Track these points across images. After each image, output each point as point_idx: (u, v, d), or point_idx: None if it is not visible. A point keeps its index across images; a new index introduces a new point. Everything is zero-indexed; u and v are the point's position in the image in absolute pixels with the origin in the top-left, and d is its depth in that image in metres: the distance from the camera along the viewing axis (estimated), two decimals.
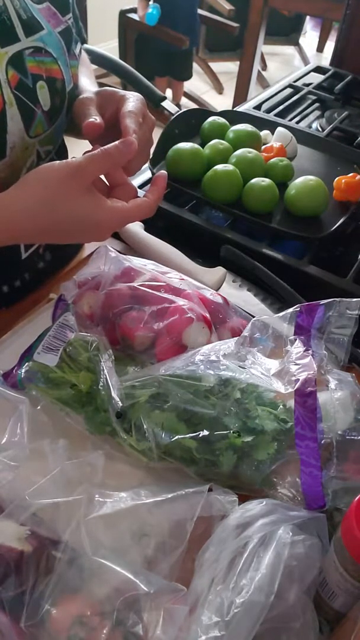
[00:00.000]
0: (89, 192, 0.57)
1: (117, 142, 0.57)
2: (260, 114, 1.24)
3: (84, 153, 0.60)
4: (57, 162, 0.57)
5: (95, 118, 0.63)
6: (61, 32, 0.67)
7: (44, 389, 0.58)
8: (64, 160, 0.57)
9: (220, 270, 0.80)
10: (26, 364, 0.59)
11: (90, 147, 0.64)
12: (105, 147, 0.57)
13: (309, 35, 4.66)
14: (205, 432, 0.55)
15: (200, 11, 3.15)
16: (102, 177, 0.63)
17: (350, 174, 0.95)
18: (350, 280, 0.82)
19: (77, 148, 0.78)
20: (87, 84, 0.76)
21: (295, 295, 0.78)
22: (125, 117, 0.62)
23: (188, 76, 3.35)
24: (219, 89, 3.88)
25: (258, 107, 1.29)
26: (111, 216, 0.58)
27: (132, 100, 0.65)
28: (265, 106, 1.31)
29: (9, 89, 0.59)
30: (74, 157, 0.60)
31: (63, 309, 0.65)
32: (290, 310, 0.64)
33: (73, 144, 0.79)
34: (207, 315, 0.65)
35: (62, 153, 0.79)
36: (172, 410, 0.56)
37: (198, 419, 0.56)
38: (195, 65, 3.92)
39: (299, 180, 0.92)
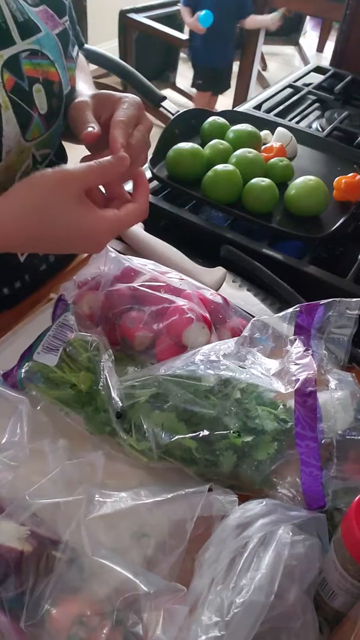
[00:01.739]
0: (81, 200, 0.56)
1: (110, 157, 0.57)
2: (260, 114, 1.24)
3: (81, 159, 0.60)
4: (50, 169, 0.56)
5: (93, 127, 0.63)
6: (58, 34, 0.67)
7: (44, 389, 0.58)
8: (57, 167, 0.56)
9: (220, 270, 0.80)
10: (26, 364, 0.59)
11: (87, 152, 0.63)
12: (100, 160, 0.57)
13: (309, 35, 4.66)
14: (205, 432, 0.55)
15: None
16: (102, 189, 0.63)
17: (350, 174, 0.95)
18: (350, 280, 0.82)
19: (76, 151, 0.78)
20: (85, 88, 0.75)
21: (295, 295, 0.78)
22: (114, 127, 0.61)
23: (227, 88, 3.35)
24: None
25: (258, 107, 1.29)
26: (104, 224, 0.58)
27: (125, 106, 0.64)
28: (265, 106, 1.31)
29: (4, 92, 0.59)
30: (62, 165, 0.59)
31: (63, 309, 0.65)
32: (290, 310, 0.64)
33: (71, 147, 0.79)
34: (207, 315, 0.65)
35: (61, 157, 0.79)
36: (172, 410, 0.56)
37: (198, 419, 0.56)
38: None
39: (299, 180, 0.92)
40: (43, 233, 0.57)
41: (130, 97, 0.66)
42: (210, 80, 3.16)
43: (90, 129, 0.62)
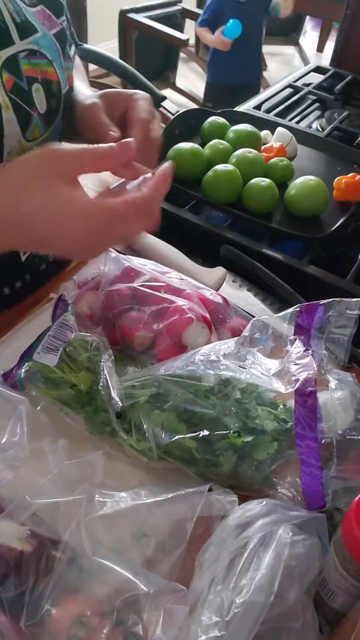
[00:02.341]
0: (69, 181, 0.50)
1: (111, 144, 0.52)
2: (260, 114, 1.24)
3: None
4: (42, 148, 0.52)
5: (114, 131, 0.61)
6: (56, 34, 0.67)
7: (44, 389, 0.58)
8: (50, 145, 0.51)
9: (220, 270, 0.80)
10: (26, 364, 0.59)
11: None
12: (99, 145, 0.51)
13: (309, 35, 4.66)
14: (205, 432, 0.55)
15: (200, 11, 3.14)
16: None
17: (350, 174, 0.95)
18: (350, 280, 0.82)
19: None
20: (83, 87, 0.76)
21: (295, 295, 0.78)
22: (134, 126, 0.59)
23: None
24: None
25: (258, 107, 1.29)
26: (96, 211, 0.49)
27: (141, 103, 0.63)
28: (265, 106, 1.31)
29: (4, 92, 0.59)
30: None
31: (63, 309, 0.65)
32: (290, 310, 0.64)
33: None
34: (207, 315, 0.65)
35: None
36: (172, 410, 0.56)
37: (198, 419, 0.56)
38: (195, 65, 3.93)
39: (299, 180, 0.92)
40: (31, 214, 0.49)
41: (140, 94, 0.65)
42: (230, 99, 2.80)
43: (112, 134, 0.61)
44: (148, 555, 0.49)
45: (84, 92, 0.73)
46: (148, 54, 3.08)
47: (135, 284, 0.67)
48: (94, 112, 0.65)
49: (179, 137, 1.02)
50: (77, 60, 0.81)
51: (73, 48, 0.74)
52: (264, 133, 1.08)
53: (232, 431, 0.55)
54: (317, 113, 1.35)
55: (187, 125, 1.07)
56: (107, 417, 0.57)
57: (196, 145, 0.97)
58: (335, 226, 0.89)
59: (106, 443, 0.57)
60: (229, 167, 0.92)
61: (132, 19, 2.90)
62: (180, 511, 0.50)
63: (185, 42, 2.89)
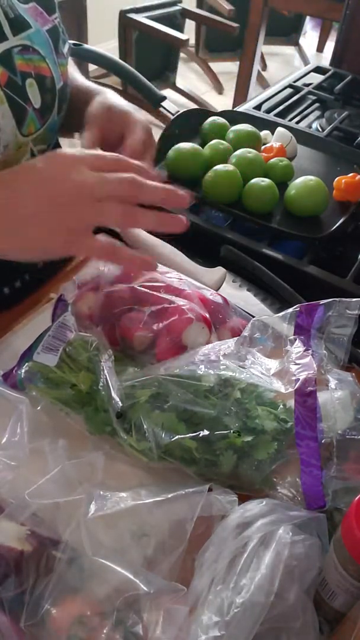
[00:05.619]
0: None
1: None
2: (260, 114, 1.24)
3: None
4: None
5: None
6: (49, 30, 0.68)
7: (44, 389, 0.58)
8: None
9: (220, 270, 0.80)
10: (26, 364, 0.59)
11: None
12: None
13: (309, 35, 4.65)
14: (205, 432, 0.55)
15: (200, 11, 3.14)
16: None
17: (350, 174, 0.95)
18: (350, 280, 0.82)
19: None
20: (82, 79, 0.77)
21: (295, 295, 0.78)
22: (126, 153, 0.60)
23: None
24: (219, 89, 3.88)
25: (258, 107, 1.29)
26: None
27: (138, 131, 0.64)
28: (265, 106, 1.31)
29: None
30: None
31: (63, 309, 0.65)
32: (290, 310, 0.64)
33: (69, 145, 0.79)
34: (207, 315, 0.65)
35: None
36: (172, 410, 0.56)
37: (198, 419, 0.56)
38: (195, 66, 3.93)
39: (299, 180, 0.92)
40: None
41: (140, 120, 0.66)
42: None
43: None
44: (148, 555, 0.49)
45: (84, 83, 0.74)
46: (148, 54, 3.08)
47: (135, 284, 0.67)
48: (90, 123, 0.66)
49: (179, 137, 1.02)
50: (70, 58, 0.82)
51: (67, 45, 0.75)
52: (264, 133, 1.08)
53: (232, 431, 0.55)
54: (317, 113, 1.35)
55: (187, 125, 1.07)
56: (107, 417, 0.57)
57: (196, 146, 0.97)
58: (335, 226, 0.89)
59: (106, 443, 0.57)
60: (229, 167, 0.92)
61: (132, 19, 2.89)
62: (180, 511, 0.50)
63: (185, 42, 2.88)
